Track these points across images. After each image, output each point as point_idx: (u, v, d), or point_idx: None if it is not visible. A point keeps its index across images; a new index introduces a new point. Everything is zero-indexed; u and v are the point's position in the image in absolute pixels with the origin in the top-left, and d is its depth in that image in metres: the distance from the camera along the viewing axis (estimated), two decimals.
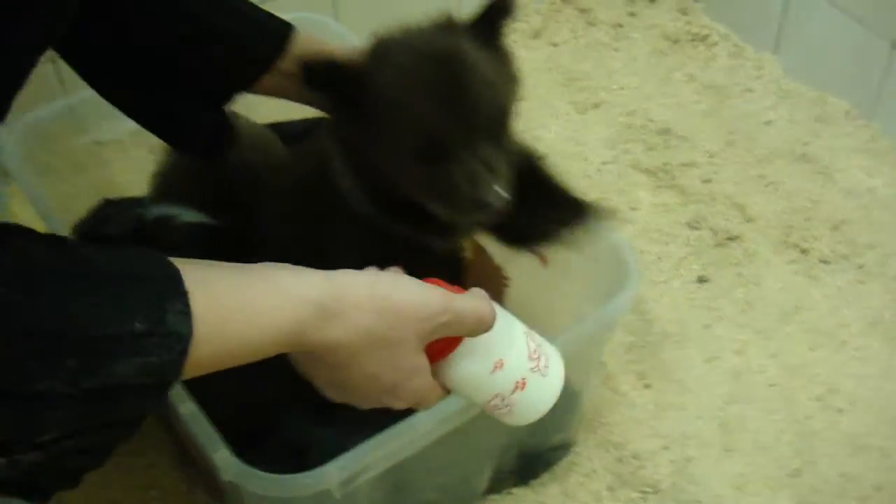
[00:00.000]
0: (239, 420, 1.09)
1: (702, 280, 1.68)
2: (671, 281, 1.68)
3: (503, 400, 0.93)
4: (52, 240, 0.68)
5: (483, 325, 0.87)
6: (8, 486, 0.66)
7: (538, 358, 0.94)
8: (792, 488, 1.38)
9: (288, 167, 1.26)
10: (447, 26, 1.06)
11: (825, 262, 1.72)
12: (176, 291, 0.68)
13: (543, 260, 1.24)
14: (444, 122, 0.98)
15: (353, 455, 0.99)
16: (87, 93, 1.12)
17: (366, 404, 0.87)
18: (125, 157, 1.71)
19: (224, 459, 0.98)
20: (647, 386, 1.52)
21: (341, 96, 1.02)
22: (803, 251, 1.74)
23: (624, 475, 1.39)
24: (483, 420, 1.04)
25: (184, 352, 0.67)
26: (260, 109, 1.28)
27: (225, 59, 1.08)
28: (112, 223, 1.55)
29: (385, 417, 1.02)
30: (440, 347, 0.87)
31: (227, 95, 1.12)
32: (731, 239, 1.74)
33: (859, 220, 1.80)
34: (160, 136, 1.15)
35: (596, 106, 2.03)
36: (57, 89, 1.66)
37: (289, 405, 1.23)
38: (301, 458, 1.12)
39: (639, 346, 1.57)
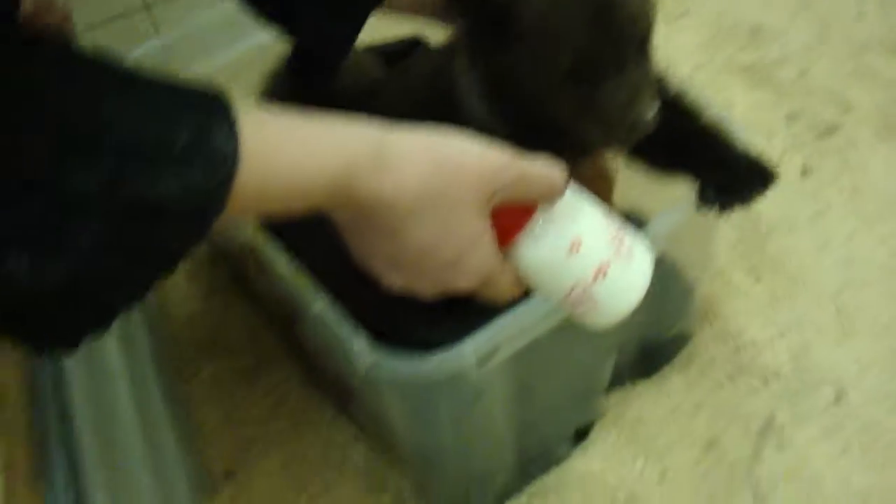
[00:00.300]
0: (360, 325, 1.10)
1: (805, 172, 1.67)
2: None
3: (584, 291, 0.81)
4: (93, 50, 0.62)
5: (554, 190, 0.79)
6: (26, 317, 0.61)
7: (620, 241, 0.83)
8: None
9: (394, 90, 1.25)
10: None
11: None
12: (224, 114, 0.62)
13: None
14: (597, 42, 0.94)
15: (484, 332, 0.98)
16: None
17: (427, 287, 0.79)
18: None
19: (362, 346, 0.98)
20: (758, 279, 1.51)
21: (488, 19, 1.00)
22: None
23: (743, 363, 1.40)
24: None
25: (229, 178, 0.61)
26: None
27: None
28: None
29: None
30: (508, 225, 0.79)
31: (363, 9, 1.09)
32: (831, 130, 1.72)
33: None
34: (289, 32, 1.12)
35: (684, 14, 2.01)
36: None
37: (404, 314, 1.25)
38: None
39: (746, 241, 1.57)
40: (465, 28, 1.06)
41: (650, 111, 0.97)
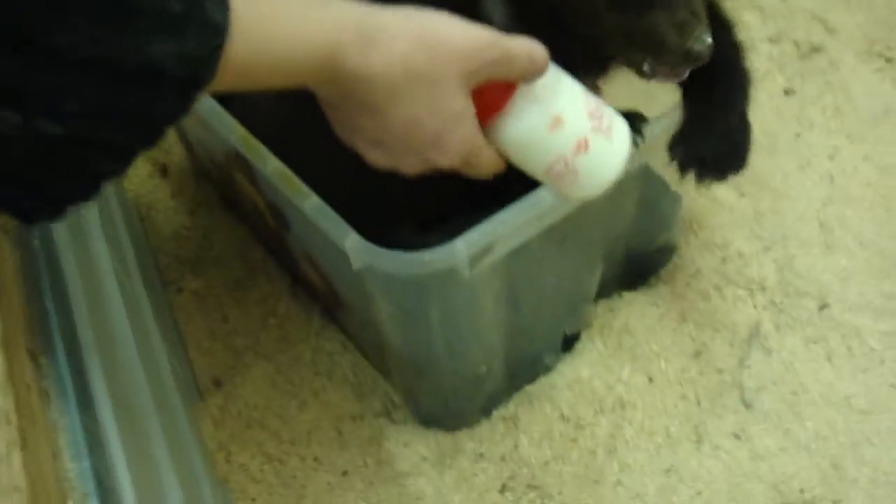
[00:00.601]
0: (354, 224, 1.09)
1: (788, 92, 1.67)
2: (757, 95, 1.63)
3: (566, 164, 0.84)
4: None
5: (536, 66, 0.80)
6: (14, 180, 0.62)
7: (599, 117, 0.85)
8: None
9: None
10: None
11: None
12: None
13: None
14: None
15: (478, 230, 0.99)
16: None
17: (411, 163, 0.81)
18: None
19: (355, 243, 0.98)
20: (742, 195, 1.52)
21: None
22: (888, 60, 1.72)
23: (729, 274, 1.41)
24: (591, 211, 1.05)
25: (220, 46, 0.63)
26: None
27: None
28: None
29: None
30: (491, 102, 0.81)
31: None
32: (814, 50, 1.73)
33: None
34: None
35: None
36: None
37: (399, 216, 1.24)
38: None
39: None
40: None
41: (704, 41, 0.93)
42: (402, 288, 1.04)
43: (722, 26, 1.13)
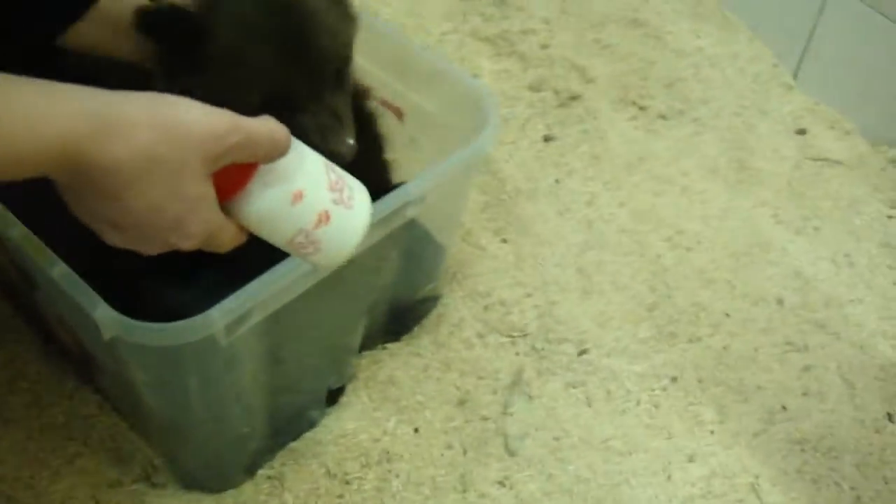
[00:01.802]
0: (104, 288, 1.05)
1: (548, 139, 1.72)
2: (519, 141, 1.71)
3: (307, 236, 0.85)
4: None
5: (278, 148, 0.80)
6: None
7: (341, 189, 0.87)
8: (650, 320, 1.45)
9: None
10: None
11: (663, 117, 1.79)
12: None
13: (398, 113, 1.24)
14: (289, 74, 0.95)
15: (234, 298, 0.96)
16: None
17: (151, 246, 0.80)
18: None
19: (105, 315, 0.93)
20: (504, 241, 1.55)
21: (178, 45, 0.97)
22: (641, 108, 1.80)
23: (492, 322, 1.43)
24: (355, 268, 1.03)
25: None
26: None
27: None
28: None
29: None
30: (232, 180, 0.80)
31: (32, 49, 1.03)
32: (573, 98, 1.79)
33: (691, 78, 1.88)
34: None
35: None
36: None
37: (150, 270, 1.20)
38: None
39: (493, 204, 1.60)
40: (159, 54, 1.01)
41: (347, 142, 0.98)
42: (156, 357, 1.00)
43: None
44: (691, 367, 1.40)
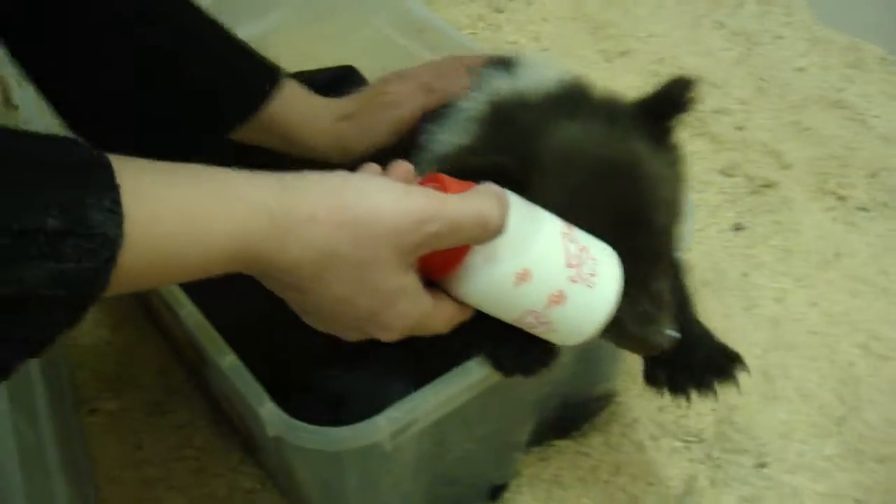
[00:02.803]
0: (272, 372, 1.04)
1: (738, 228, 1.64)
2: (707, 229, 1.64)
3: (537, 318, 0.78)
4: None
5: (489, 231, 0.72)
6: None
7: (579, 265, 0.78)
8: (839, 435, 1.35)
9: None
10: (612, 113, 0.94)
11: (863, 209, 1.69)
12: (104, 184, 0.56)
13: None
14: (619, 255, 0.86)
15: (402, 406, 0.93)
16: None
17: (349, 334, 0.76)
18: None
19: (270, 413, 0.92)
20: None
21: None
22: (840, 198, 1.70)
23: (666, 424, 1.36)
24: None
25: (111, 259, 0.55)
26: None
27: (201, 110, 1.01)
28: None
29: (420, 364, 0.98)
30: (443, 261, 0.74)
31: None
32: (766, 186, 1.70)
33: None
34: None
35: (624, 54, 1.99)
36: None
37: (319, 354, 1.19)
38: (337, 411, 1.08)
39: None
40: None
41: (667, 334, 0.89)
42: (318, 458, 0.98)
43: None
44: (880, 490, 1.30)
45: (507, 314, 0.79)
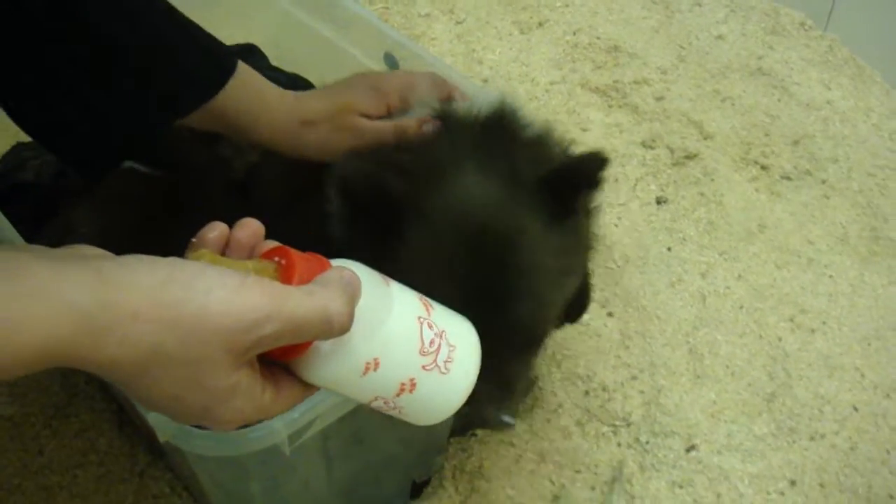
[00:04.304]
0: None
1: (661, 201, 1.60)
2: (629, 203, 1.59)
3: (386, 403, 0.73)
4: None
5: (334, 331, 0.66)
6: None
7: (436, 350, 0.73)
8: (769, 413, 1.31)
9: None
10: (519, 173, 0.92)
11: (787, 178, 1.65)
12: None
13: None
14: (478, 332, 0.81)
15: (299, 407, 0.85)
16: None
17: (182, 422, 0.70)
18: None
19: (159, 420, 0.84)
20: (610, 314, 1.43)
21: (372, 220, 0.89)
22: (764, 167, 1.66)
23: (592, 408, 1.31)
24: None
25: None
26: None
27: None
28: (28, 169, 1.43)
29: None
30: (286, 348, 0.67)
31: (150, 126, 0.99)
32: (688, 157, 1.66)
33: (820, 135, 1.73)
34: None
35: (540, 25, 1.93)
36: None
37: None
38: None
39: (599, 273, 1.49)
40: (348, 219, 0.92)
41: (504, 420, 0.91)
42: (217, 463, 0.92)
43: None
44: (813, 469, 1.26)
45: (354, 397, 0.73)
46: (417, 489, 1.22)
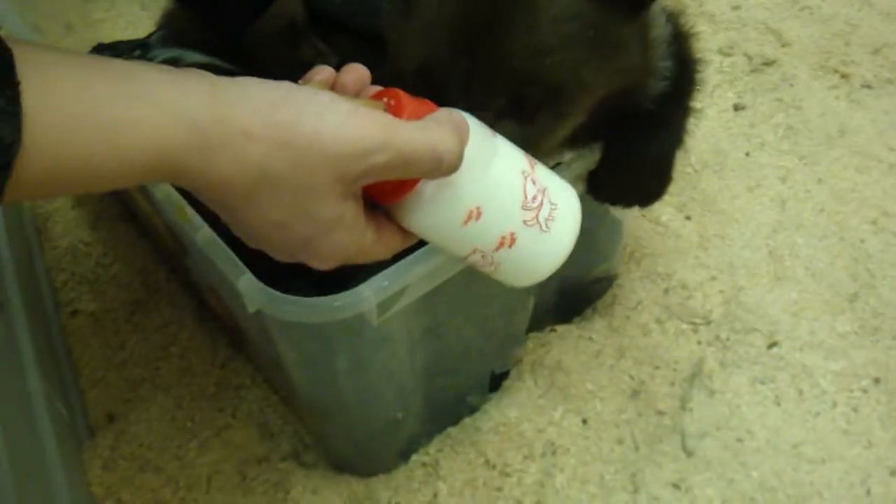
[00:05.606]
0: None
1: (738, 107, 1.58)
2: (706, 109, 1.57)
3: (484, 257, 0.72)
4: None
5: (444, 168, 0.65)
6: None
7: (538, 207, 0.72)
8: (851, 311, 1.30)
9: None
10: None
11: (868, 86, 1.62)
12: (1, 80, 0.49)
13: None
14: (455, 68, 0.78)
15: (387, 275, 0.85)
16: None
17: (281, 257, 0.69)
18: (116, 15, 1.61)
19: (248, 285, 0.84)
20: (688, 217, 1.42)
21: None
22: (844, 76, 1.63)
23: (672, 306, 1.31)
24: None
25: (6, 166, 0.49)
26: None
27: None
28: None
29: None
30: (392, 186, 0.67)
31: None
32: (766, 64, 1.63)
33: None
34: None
35: None
36: None
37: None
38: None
39: (677, 177, 1.44)
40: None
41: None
42: (303, 335, 0.92)
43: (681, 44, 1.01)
44: None
45: (453, 249, 0.73)
46: (496, 382, 1.22)
